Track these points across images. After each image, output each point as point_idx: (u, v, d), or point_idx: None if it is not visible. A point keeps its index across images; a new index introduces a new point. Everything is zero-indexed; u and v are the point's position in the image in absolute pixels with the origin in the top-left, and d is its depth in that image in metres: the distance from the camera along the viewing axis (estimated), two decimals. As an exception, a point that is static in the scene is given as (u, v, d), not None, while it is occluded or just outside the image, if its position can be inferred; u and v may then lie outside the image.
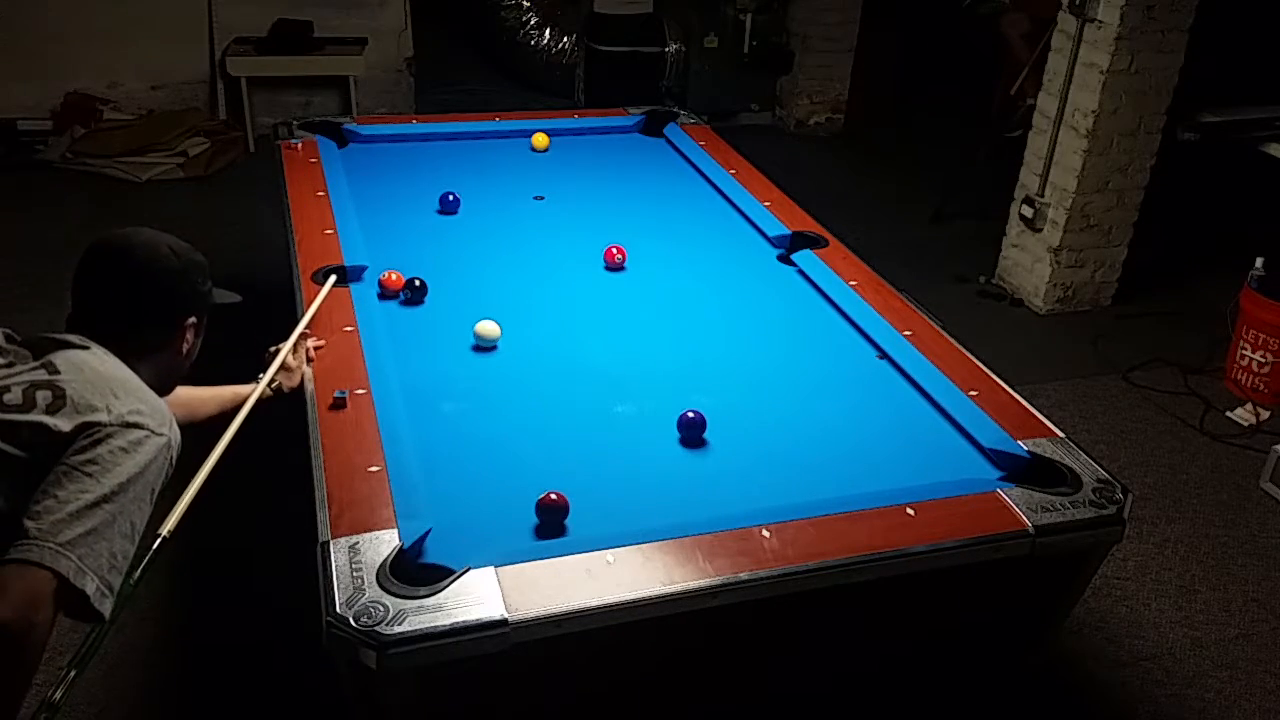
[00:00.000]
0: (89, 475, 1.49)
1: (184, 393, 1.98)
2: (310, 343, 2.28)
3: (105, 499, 1.49)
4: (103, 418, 1.54)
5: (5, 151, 5.33)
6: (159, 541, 1.63)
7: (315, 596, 1.61)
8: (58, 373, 1.58)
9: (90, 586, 1.46)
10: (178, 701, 2.46)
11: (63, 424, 1.51)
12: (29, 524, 1.44)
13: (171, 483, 1.68)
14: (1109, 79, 4.05)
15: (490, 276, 2.79)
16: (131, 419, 1.56)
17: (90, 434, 1.52)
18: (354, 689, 1.63)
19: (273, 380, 2.16)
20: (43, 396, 1.54)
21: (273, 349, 2.22)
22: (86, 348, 1.66)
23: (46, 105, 5.44)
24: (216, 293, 1.91)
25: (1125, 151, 4.24)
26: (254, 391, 2.10)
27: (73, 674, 1.45)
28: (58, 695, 1.43)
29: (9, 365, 1.61)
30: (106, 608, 1.49)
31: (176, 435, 1.65)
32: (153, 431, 1.58)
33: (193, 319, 1.82)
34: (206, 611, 2.71)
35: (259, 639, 2.57)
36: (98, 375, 1.61)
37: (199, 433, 1.91)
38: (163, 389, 1.76)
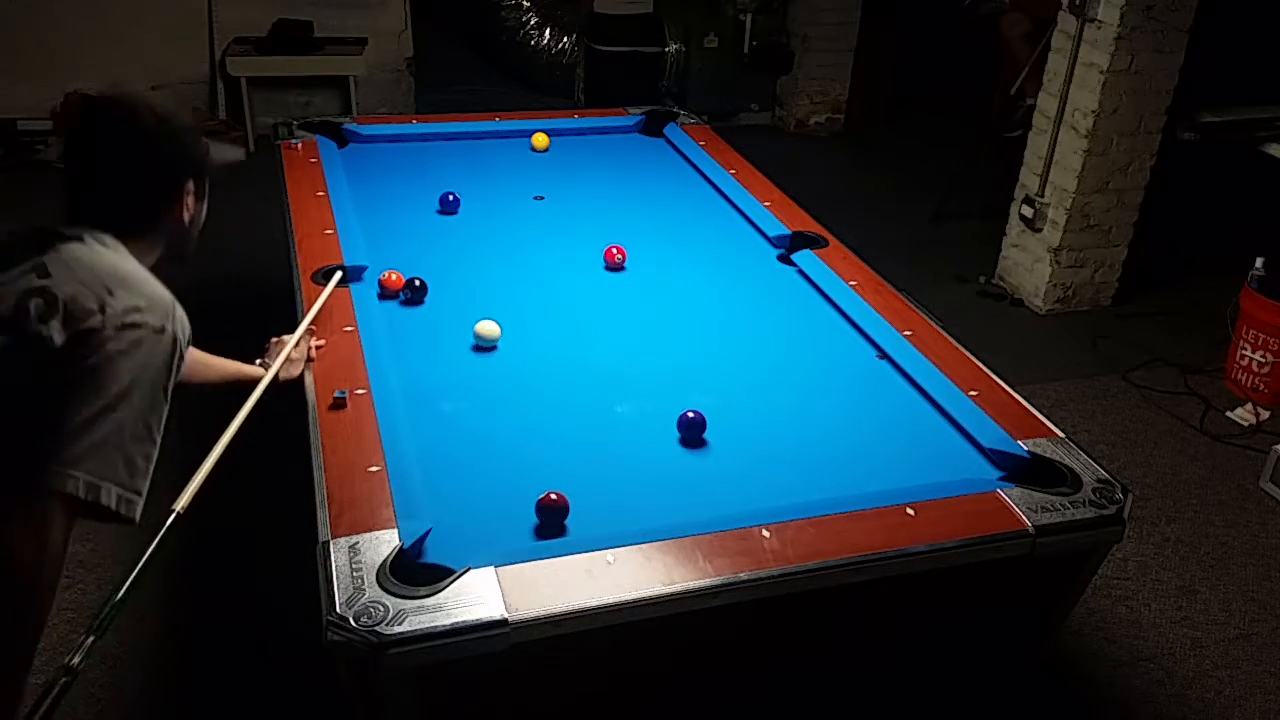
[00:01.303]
0: (87, 387, 1.45)
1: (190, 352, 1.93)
2: (312, 341, 2.28)
3: (109, 408, 1.45)
4: (96, 323, 1.47)
5: (5, 151, 5.33)
6: (173, 517, 1.60)
7: (315, 596, 1.61)
8: (49, 276, 1.50)
9: (108, 497, 1.43)
10: (177, 701, 2.46)
11: (56, 335, 1.45)
12: (33, 446, 1.41)
13: (186, 460, 1.67)
14: (1109, 79, 4.05)
15: (490, 276, 2.79)
16: (129, 319, 1.50)
17: (86, 342, 1.46)
18: (354, 689, 1.63)
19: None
20: (35, 305, 1.47)
21: (275, 340, 2.22)
22: (80, 239, 1.58)
23: (46, 105, 5.43)
24: (216, 149, 1.85)
25: (1125, 151, 4.24)
26: (264, 376, 2.07)
27: (91, 640, 1.44)
28: (76, 660, 1.41)
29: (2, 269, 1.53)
30: (136, 512, 1.46)
31: (182, 324, 1.59)
32: (152, 328, 1.52)
33: (190, 183, 1.71)
34: (206, 611, 2.71)
35: (259, 639, 2.57)
36: (91, 272, 1.53)
37: (212, 410, 1.90)
38: (177, 260, 1.71)
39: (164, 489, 1.59)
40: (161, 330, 1.54)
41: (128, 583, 1.51)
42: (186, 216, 1.73)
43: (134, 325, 1.50)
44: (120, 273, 1.57)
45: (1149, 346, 4.20)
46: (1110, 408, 3.82)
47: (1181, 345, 4.21)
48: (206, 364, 2.07)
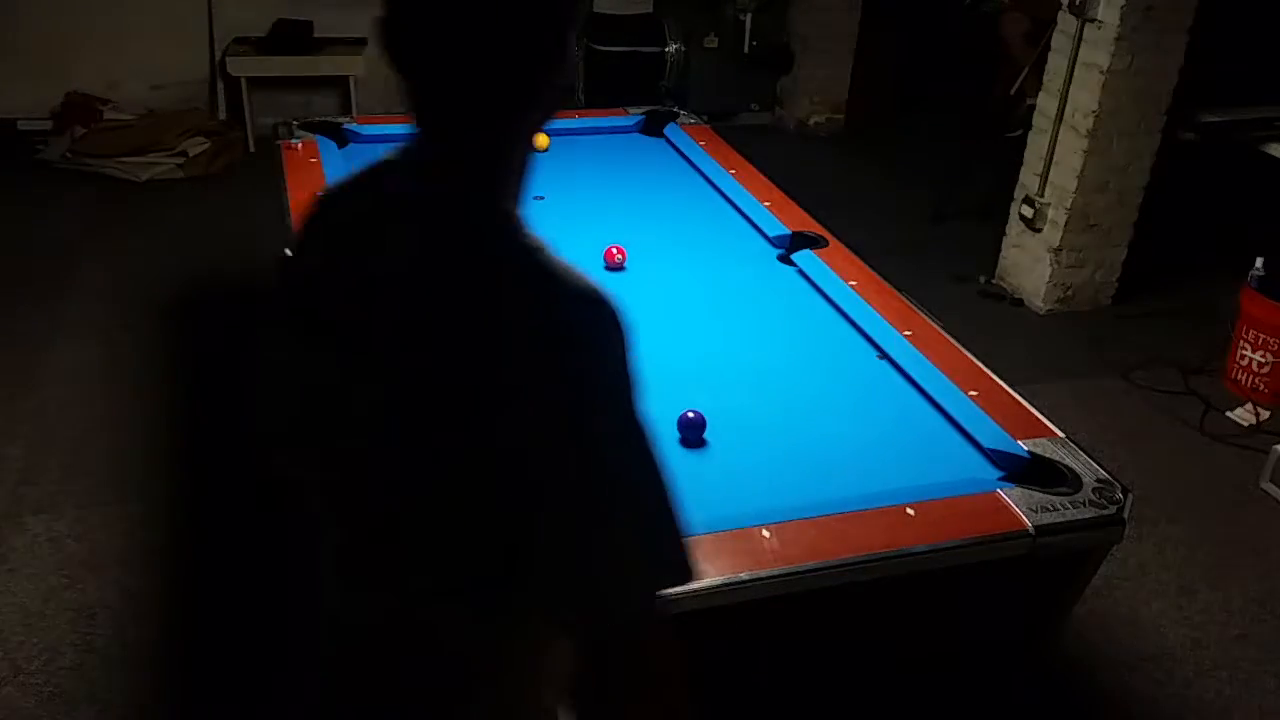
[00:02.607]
0: None
1: None
2: None
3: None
4: None
5: (5, 152, 5.34)
6: None
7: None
8: None
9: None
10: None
11: None
12: None
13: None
14: (1109, 79, 4.05)
15: (490, 276, 2.78)
16: None
17: None
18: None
19: None
20: None
21: None
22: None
23: (46, 105, 5.44)
24: None
25: (1125, 151, 4.24)
26: None
27: None
28: None
29: None
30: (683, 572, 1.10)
31: None
32: None
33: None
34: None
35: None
36: None
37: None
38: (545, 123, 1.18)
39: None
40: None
41: None
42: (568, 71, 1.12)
43: None
44: None
45: (1149, 346, 4.20)
46: (1110, 408, 3.82)
47: (1181, 345, 4.21)
48: None
